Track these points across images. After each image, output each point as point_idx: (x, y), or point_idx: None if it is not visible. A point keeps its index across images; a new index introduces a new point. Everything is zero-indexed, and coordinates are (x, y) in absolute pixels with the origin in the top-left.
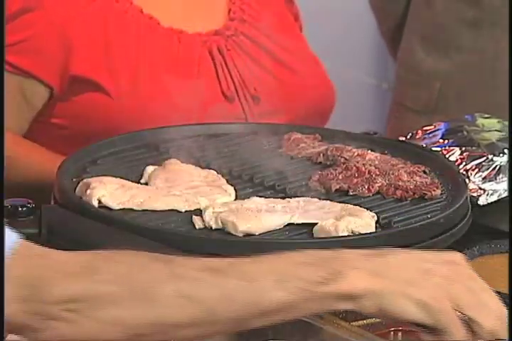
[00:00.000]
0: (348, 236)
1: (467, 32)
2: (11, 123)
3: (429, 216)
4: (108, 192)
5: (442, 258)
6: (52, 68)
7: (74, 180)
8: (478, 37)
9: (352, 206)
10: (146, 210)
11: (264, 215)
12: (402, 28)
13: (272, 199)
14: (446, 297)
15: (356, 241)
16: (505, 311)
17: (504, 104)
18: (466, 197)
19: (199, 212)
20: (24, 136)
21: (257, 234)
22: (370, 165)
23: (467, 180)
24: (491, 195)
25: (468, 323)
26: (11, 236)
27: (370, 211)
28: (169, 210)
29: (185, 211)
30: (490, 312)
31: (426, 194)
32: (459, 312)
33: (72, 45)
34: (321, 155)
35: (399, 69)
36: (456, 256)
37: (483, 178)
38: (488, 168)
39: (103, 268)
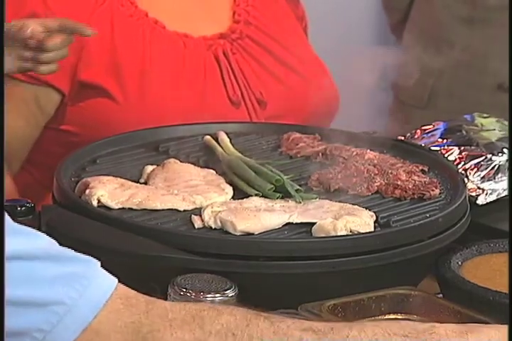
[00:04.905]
0: (347, 235)
1: (461, 29)
2: (23, 131)
3: (427, 215)
4: (107, 191)
5: None
6: (64, 74)
7: (73, 179)
8: (471, 35)
9: (351, 205)
10: (145, 209)
11: (263, 214)
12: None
13: (270, 198)
14: None
15: (355, 241)
16: None
17: (491, 104)
18: (465, 197)
19: (198, 212)
20: (35, 144)
21: (256, 233)
22: (369, 164)
23: (466, 180)
24: (490, 194)
25: None
26: (109, 278)
27: (369, 210)
28: (168, 209)
29: (184, 210)
30: None
31: (425, 194)
32: None
33: (83, 49)
34: (320, 154)
35: None
36: None
37: (482, 178)
38: (487, 168)
39: (211, 318)
